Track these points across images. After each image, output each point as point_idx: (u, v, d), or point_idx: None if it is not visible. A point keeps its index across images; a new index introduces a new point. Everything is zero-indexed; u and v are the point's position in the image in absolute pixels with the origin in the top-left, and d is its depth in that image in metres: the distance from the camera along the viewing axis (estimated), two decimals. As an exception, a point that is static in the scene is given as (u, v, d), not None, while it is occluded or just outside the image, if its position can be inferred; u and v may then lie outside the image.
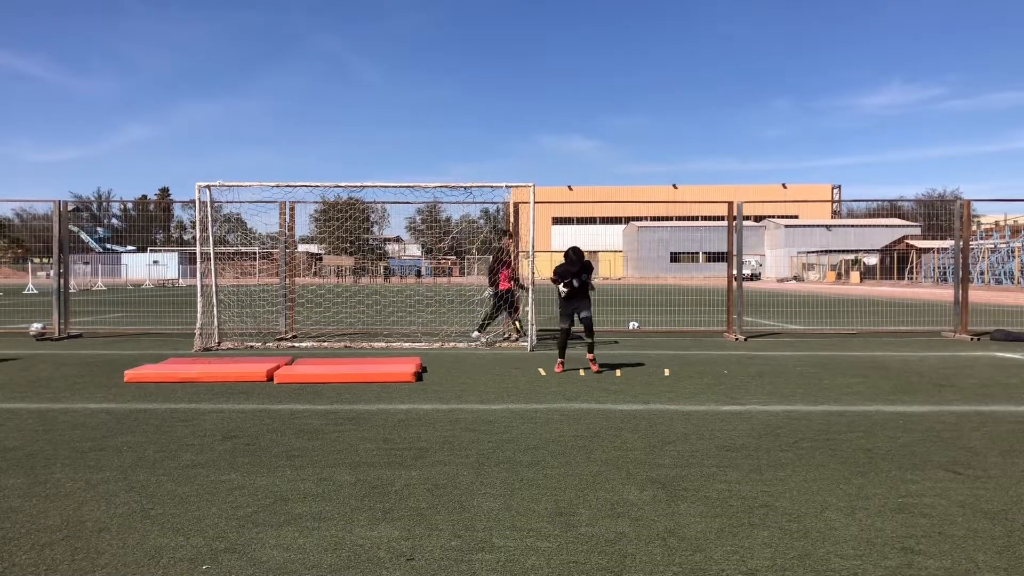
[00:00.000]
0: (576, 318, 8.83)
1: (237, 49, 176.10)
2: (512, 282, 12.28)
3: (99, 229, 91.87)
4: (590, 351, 8.80)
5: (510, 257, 12.33)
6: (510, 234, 12.64)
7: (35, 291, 32.01)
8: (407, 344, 11.80)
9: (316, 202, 16.04)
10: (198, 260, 11.66)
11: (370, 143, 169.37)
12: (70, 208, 14.50)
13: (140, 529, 3.63)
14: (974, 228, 60.13)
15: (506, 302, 12.25)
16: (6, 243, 79.95)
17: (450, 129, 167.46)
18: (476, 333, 12.32)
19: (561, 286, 8.75)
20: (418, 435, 5.58)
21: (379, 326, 14.76)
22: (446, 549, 3.39)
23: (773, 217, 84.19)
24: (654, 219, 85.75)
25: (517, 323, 12.34)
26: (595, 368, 8.70)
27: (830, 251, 70.68)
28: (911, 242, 61.77)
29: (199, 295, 11.46)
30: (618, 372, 8.80)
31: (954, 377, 8.55)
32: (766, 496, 4.15)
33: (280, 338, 12.58)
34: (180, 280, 51.11)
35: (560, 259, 8.83)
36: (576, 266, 8.68)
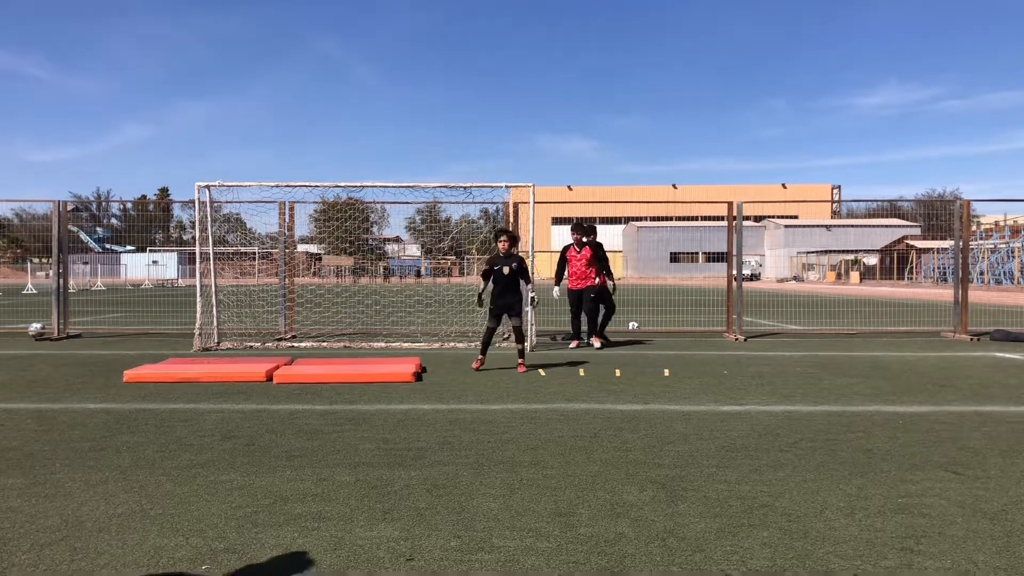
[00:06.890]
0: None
1: (234, 49, 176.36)
2: None
3: (98, 229, 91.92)
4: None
5: None
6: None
7: (34, 291, 31.98)
8: (407, 344, 11.79)
9: (316, 202, 16.09)
10: (197, 260, 11.65)
11: (369, 143, 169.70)
12: (69, 208, 14.48)
13: (140, 529, 3.62)
14: (974, 228, 60.11)
15: None
16: (5, 243, 79.83)
17: (449, 129, 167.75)
18: None
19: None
20: (418, 435, 5.58)
21: (379, 326, 14.75)
22: (446, 549, 3.39)
23: (773, 217, 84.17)
24: (654, 219, 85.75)
25: None
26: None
27: (830, 251, 70.69)
28: (911, 242, 61.78)
29: (198, 295, 11.45)
30: (618, 372, 8.80)
31: (954, 377, 8.54)
32: (766, 496, 4.14)
33: (279, 338, 12.58)
34: (179, 280, 51.05)
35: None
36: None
